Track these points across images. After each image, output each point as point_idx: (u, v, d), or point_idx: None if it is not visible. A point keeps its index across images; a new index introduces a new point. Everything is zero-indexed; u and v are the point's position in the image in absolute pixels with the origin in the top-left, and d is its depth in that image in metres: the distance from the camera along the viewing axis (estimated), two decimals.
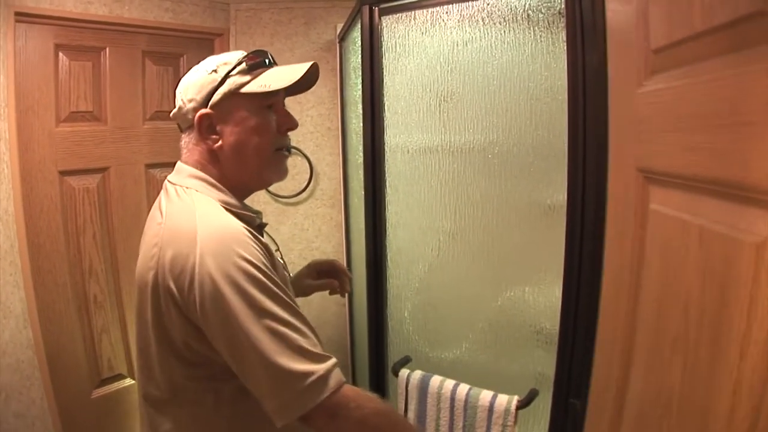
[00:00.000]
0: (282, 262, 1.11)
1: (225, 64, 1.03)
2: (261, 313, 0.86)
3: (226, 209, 0.99)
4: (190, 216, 0.95)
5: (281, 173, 1.12)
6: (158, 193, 1.06)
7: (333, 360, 0.90)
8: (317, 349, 0.89)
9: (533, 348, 1.46)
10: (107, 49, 1.92)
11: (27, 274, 1.71)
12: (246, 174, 1.07)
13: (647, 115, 0.67)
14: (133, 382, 1.89)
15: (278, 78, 1.03)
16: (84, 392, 1.93)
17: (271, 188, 2.28)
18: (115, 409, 1.98)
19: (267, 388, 0.88)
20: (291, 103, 2.32)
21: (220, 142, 1.03)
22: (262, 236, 1.10)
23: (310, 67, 1.05)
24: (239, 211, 1.02)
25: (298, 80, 1.06)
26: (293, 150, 2.24)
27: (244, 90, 1.02)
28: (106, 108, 1.95)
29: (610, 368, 0.79)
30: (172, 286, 0.90)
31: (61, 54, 1.81)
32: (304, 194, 2.32)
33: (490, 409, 1.38)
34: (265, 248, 0.96)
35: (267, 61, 1.06)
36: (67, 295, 1.88)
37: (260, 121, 1.04)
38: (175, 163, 1.08)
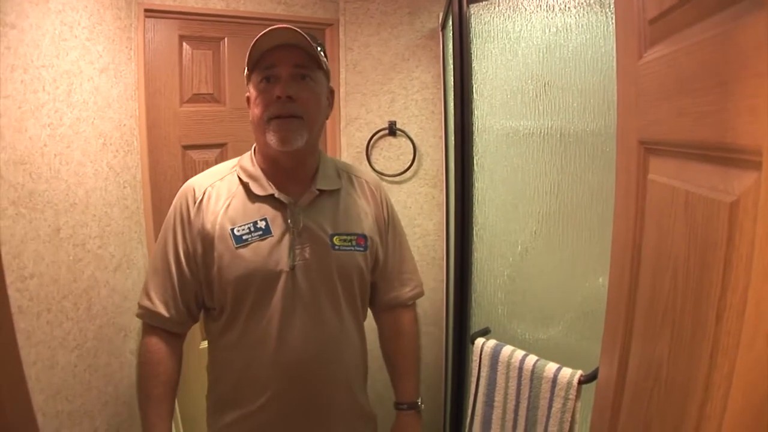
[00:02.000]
0: (258, 224, 1.22)
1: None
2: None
3: (237, 169, 1.27)
4: None
5: (277, 141, 1.15)
6: None
7: (144, 309, 1.28)
8: (152, 290, 1.27)
9: None
10: (225, 39, 2.10)
11: (150, 233, 1.94)
12: (258, 141, 1.24)
13: (645, 86, 0.66)
14: None
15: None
16: (194, 343, 2.16)
17: (376, 167, 2.38)
18: None
19: None
20: (397, 89, 2.40)
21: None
22: (291, 207, 1.22)
23: (272, 30, 1.11)
24: (241, 174, 1.25)
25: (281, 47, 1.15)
26: (399, 132, 2.33)
27: (245, 72, 1.20)
28: (224, 91, 2.14)
29: (614, 346, 0.78)
30: None
31: (184, 44, 2.01)
32: (408, 174, 2.39)
33: (554, 381, 1.38)
34: (191, 203, 1.27)
35: (262, 41, 1.12)
36: None
37: (255, 95, 1.18)
38: None
